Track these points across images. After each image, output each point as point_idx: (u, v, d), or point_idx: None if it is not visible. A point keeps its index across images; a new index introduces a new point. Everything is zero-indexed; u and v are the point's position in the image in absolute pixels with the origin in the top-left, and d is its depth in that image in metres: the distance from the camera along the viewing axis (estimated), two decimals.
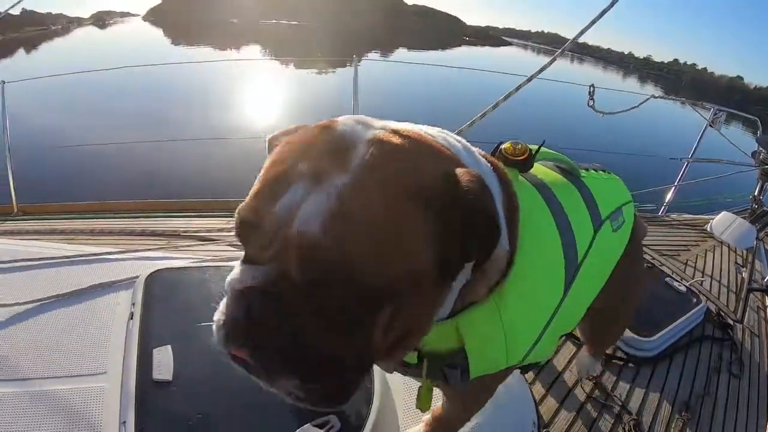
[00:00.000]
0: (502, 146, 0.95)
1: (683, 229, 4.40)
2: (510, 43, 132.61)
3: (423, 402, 0.94)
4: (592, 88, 4.01)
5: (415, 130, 0.73)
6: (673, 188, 4.94)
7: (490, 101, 2.79)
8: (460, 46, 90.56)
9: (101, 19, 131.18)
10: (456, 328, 0.83)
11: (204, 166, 8.56)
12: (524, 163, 0.95)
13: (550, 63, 2.76)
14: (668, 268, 3.44)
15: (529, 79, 2.78)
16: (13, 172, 4.41)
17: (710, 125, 4.92)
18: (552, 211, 0.95)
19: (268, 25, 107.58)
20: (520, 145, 0.95)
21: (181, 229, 3.64)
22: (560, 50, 2.86)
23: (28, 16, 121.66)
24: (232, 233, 2.38)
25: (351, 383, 0.67)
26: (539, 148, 0.99)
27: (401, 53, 60.78)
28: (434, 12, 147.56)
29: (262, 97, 15.17)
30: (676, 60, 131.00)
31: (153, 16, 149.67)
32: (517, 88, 2.81)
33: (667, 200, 4.91)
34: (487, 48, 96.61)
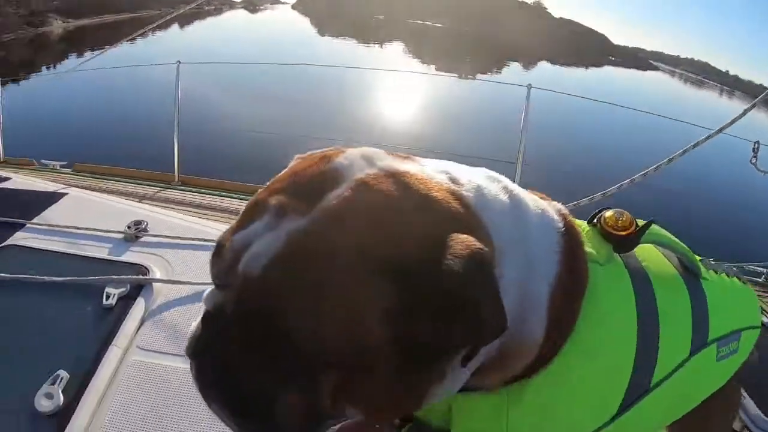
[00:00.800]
0: (605, 214, 0.82)
1: None
2: (657, 68, 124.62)
3: None
4: (756, 145, 3.79)
5: (428, 174, 0.64)
6: None
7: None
8: (604, 65, 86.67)
9: (252, 4, 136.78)
10: (448, 408, 0.72)
11: None
12: (625, 241, 0.81)
13: (742, 115, 2.88)
14: None
15: (720, 131, 2.88)
16: (179, 145, 5.01)
17: None
18: (639, 311, 0.77)
19: (414, 24, 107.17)
20: (625, 216, 0.82)
21: None
22: (753, 103, 2.96)
23: None
24: None
25: None
26: (648, 225, 0.82)
27: (544, 66, 59.01)
28: (580, 27, 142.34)
29: (427, 107, 14.91)
30: None
31: (302, 5, 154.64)
32: (706, 138, 2.91)
33: None
34: (632, 71, 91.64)
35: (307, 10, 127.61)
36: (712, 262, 1.02)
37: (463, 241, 0.55)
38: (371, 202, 0.57)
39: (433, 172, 0.65)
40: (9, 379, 1.43)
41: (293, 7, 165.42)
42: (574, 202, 2.96)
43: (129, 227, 2.06)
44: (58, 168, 5.74)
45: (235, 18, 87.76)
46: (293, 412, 0.59)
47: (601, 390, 0.74)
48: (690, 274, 0.91)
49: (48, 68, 30.31)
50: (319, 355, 0.54)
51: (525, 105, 4.47)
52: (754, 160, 3.85)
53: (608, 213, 0.82)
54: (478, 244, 0.55)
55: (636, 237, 0.80)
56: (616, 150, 12.91)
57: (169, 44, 30.42)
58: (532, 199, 0.75)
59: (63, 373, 1.39)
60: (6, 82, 6.85)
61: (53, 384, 1.36)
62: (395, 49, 54.13)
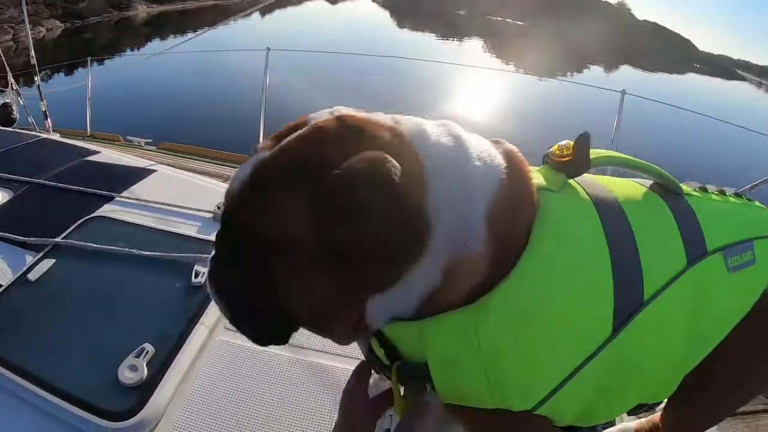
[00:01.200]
0: (550, 149, 0.85)
1: None
2: (744, 78, 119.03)
3: (396, 408, 0.83)
4: None
5: (373, 117, 0.74)
6: None
7: None
8: (687, 72, 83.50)
9: None
10: (421, 334, 0.73)
11: None
12: (572, 164, 0.82)
13: None
14: None
15: None
16: (265, 130, 5.11)
17: None
18: (608, 230, 0.77)
19: (494, 21, 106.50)
20: (568, 144, 0.83)
21: None
22: None
23: None
24: None
25: (263, 333, 0.80)
26: (585, 138, 0.82)
27: (626, 70, 57.55)
28: (665, 30, 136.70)
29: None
30: None
31: None
32: None
33: None
34: (717, 80, 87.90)
35: (387, 2, 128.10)
36: (700, 185, 0.99)
37: (366, 156, 0.63)
38: (312, 135, 0.70)
39: (381, 116, 0.75)
40: (95, 349, 1.45)
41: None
42: None
43: (219, 207, 2.05)
44: (143, 145, 5.91)
45: (316, 8, 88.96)
46: (270, 313, 0.75)
47: (581, 303, 0.73)
48: (671, 194, 0.89)
49: (132, 50, 31.94)
50: (263, 243, 0.68)
51: (618, 111, 4.34)
52: None
53: (553, 147, 0.84)
54: (380, 155, 0.63)
55: (580, 155, 0.81)
56: (706, 163, 12.41)
57: (253, 31, 31.14)
58: (478, 138, 0.79)
59: (148, 347, 1.42)
60: (95, 61, 7.12)
61: (138, 357, 1.39)
62: (474, 45, 53.94)
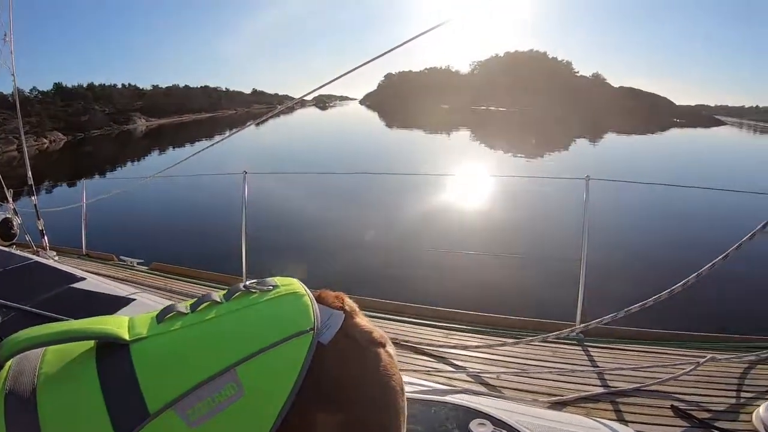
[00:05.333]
0: None
1: None
2: (723, 123, 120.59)
3: None
4: None
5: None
6: None
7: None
8: (669, 128, 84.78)
9: (322, 102, 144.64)
10: None
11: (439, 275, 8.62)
12: None
13: None
14: None
15: None
16: (247, 250, 5.23)
17: None
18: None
19: (478, 110, 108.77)
20: None
21: (398, 335, 3.80)
22: None
23: (258, 95, 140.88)
24: (455, 349, 3.62)
25: None
26: None
27: (610, 138, 58.45)
28: (641, 93, 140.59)
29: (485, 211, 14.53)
30: None
31: (368, 100, 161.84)
32: None
33: None
34: (699, 130, 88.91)
35: (374, 104, 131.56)
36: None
37: None
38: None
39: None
40: None
41: (361, 102, 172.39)
42: (639, 304, 3.19)
43: None
44: (135, 265, 6.21)
45: (307, 116, 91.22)
46: None
47: None
48: (113, 349, 0.85)
49: (132, 162, 33.11)
50: None
51: (585, 197, 4.30)
52: None
53: None
54: None
55: None
56: (685, 232, 12.60)
57: (245, 143, 32.44)
58: None
59: None
60: (89, 180, 7.45)
61: None
62: (462, 135, 55.38)
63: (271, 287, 1.02)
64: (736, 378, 3.23)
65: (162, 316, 0.93)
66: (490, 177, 18.37)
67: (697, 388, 3.08)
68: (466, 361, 3.44)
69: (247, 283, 1.03)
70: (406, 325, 4.11)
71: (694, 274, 2.98)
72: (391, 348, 1.10)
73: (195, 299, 0.98)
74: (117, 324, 0.90)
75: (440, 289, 7.97)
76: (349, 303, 1.06)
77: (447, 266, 9.04)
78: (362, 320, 1.05)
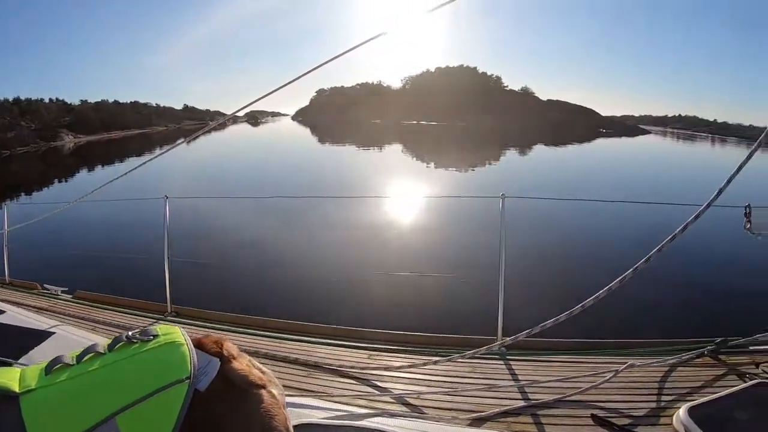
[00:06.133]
0: None
1: None
2: (647, 132, 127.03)
3: None
4: (748, 209, 3.66)
5: None
6: None
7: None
8: (595, 138, 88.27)
9: (254, 118, 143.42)
10: None
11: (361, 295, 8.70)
12: None
13: (726, 186, 2.77)
14: None
15: (708, 205, 2.80)
16: (170, 277, 5.13)
17: None
18: None
19: (409, 125, 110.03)
20: None
21: (323, 359, 3.76)
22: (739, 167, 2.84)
23: (189, 111, 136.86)
24: (378, 370, 3.61)
25: None
26: None
27: (539, 149, 60.29)
28: (568, 105, 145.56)
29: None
30: None
31: (301, 116, 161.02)
32: (695, 218, 2.84)
33: None
34: (624, 139, 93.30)
35: (306, 120, 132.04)
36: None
37: None
38: None
39: None
40: None
41: (293, 118, 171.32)
42: (552, 320, 3.14)
43: None
44: (59, 294, 5.97)
45: (240, 132, 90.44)
46: None
47: None
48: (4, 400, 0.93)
49: (60, 181, 32.02)
50: None
51: (501, 214, 4.30)
52: (748, 225, 3.73)
53: None
54: None
55: None
56: (606, 242, 12.97)
57: (176, 162, 31.22)
58: None
59: None
60: (12, 204, 7.05)
61: None
62: (394, 149, 55.49)
63: (152, 337, 1.10)
64: (657, 382, 3.33)
65: (50, 367, 1.00)
66: (407, 197, 18.39)
67: (618, 395, 3.16)
68: (389, 382, 3.43)
69: (130, 333, 1.12)
70: (330, 347, 4.06)
71: (605, 288, 2.96)
72: (274, 388, 1.21)
73: (81, 350, 1.07)
74: (8, 377, 0.97)
75: (365, 309, 7.99)
76: (229, 347, 1.18)
77: (371, 287, 9.08)
78: (241, 364, 1.16)
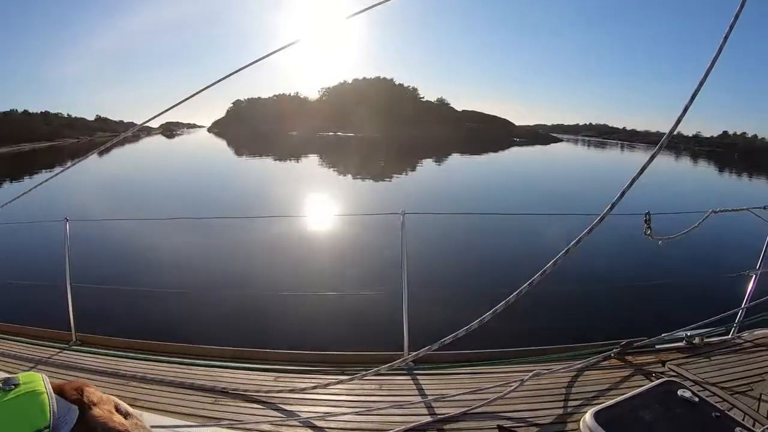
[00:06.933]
0: None
1: (757, 353, 4.04)
2: (560, 140, 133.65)
3: None
4: (648, 216, 3.97)
5: None
6: (743, 307, 4.50)
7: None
8: (510, 147, 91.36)
9: (169, 129, 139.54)
10: None
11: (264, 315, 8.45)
12: None
13: (619, 199, 2.76)
14: (739, 410, 3.14)
15: (600, 219, 2.72)
16: (73, 304, 4.87)
17: None
18: None
19: (326, 137, 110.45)
20: None
21: (229, 383, 3.63)
22: (643, 167, 2.87)
23: (103, 122, 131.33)
24: (284, 393, 3.47)
25: None
26: None
27: (455, 158, 61.74)
28: (483, 116, 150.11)
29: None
30: (725, 132, 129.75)
31: (217, 128, 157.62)
32: (589, 230, 2.77)
33: (737, 320, 4.47)
34: (537, 147, 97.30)
35: (223, 132, 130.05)
36: None
37: None
38: None
39: None
40: None
41: (209, 130, 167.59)
42: (451, 336, 3.05)
43: None
44: None
45: (154, 144, 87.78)
46: None
47: None
48: None
49: None
50: None
51: (401, 230, 4.20)
52: (648, 231, 4.00)
53: None
54: None
55: None
56: (510, 254, 13.19)
57: (84, 178, 30.02)
58: None
59: None
60: None
61: None
62: (311, 162, 55.22)
63: (12, 386, 1.06)
64: (564, 388, 3.37)
65: None
66: (312, 215, 18.36)
67: (525, 403, 3.16)
68: (296, 404, 3.33)
69: None
70: (236, 371, 3.90)
71: (502, 302, 2.89)
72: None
73: None
74: None
75: (271, 330, 7.84)
76: (90, 393, 1.18)
77: (276, 306, 8.85)
78: (101, 410, 1.13)
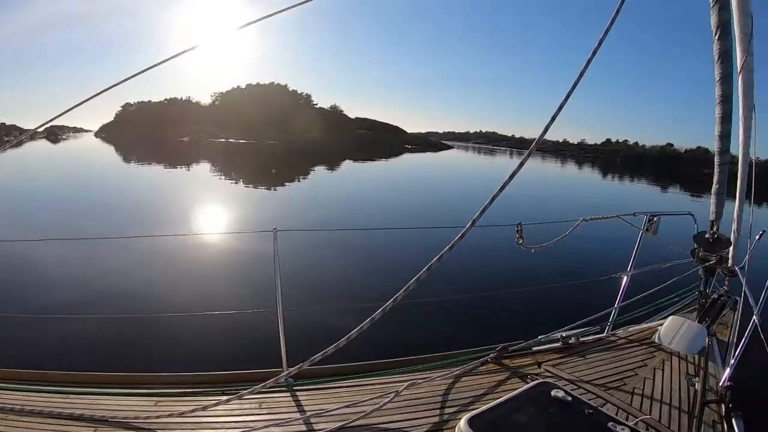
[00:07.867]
0: None
1: (630, 349, 4.34)
2: (451, 147, 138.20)
3: None
4: (519, 226, 4.19)
5: None
6: (616, 306, 4.87)
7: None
8: (401, 154, 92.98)
9: (54, 134, 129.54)
10: None
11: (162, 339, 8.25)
12: None
13: (483, 212, 2.94)
14: (613, 405, 3.34)
15: (472, 224, 2.91)
16: None
17: (645, 232, 5.10)
18: None
19: (218, 143, 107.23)
20: None
21: (108, 411, 3.45)
22: (511, 175, 3.00)
23: None
24: (164, 417, 3.26)
25: None
26: None
27: (347, 165, 62.15)
28: (376, 123, 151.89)
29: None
30: (608, 140, 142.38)
31: (104, 133, 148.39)
32: (460, 237, 2.93)
33: (611, 319, 4.81)
34: (428, 154, 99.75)
35: (110, 137, 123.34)
36: None
37: None
38: None
39: None
40: None
41: (96, 134, 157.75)
42: (320, 354, 3.09)
43: None
44: None
45: (38, 149, 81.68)
46: None
47: None
48: None
49: None
50: None
51: (274, 248, 4.15)
52: (520, 240, 4.26)
53: None
54: None
55: None
56: (386, 265, 13.33)
57: None
58: None
59: None
60: None
61: None
62: (203, 169, 53.62)
63: None
64: (440, 395, 3.43)
65: None
66: (185, 234, 17.27)
67: (401, 414, 3.20)
68: (176, 428, 3.21)
69: None
70: (115, 398, 3.68)
71: (379, 310, 2.93)
72: None
73: None
74: None
75: (153, 353, 7.62)
76: None
77: (156, 329, 8.54)
78: None
